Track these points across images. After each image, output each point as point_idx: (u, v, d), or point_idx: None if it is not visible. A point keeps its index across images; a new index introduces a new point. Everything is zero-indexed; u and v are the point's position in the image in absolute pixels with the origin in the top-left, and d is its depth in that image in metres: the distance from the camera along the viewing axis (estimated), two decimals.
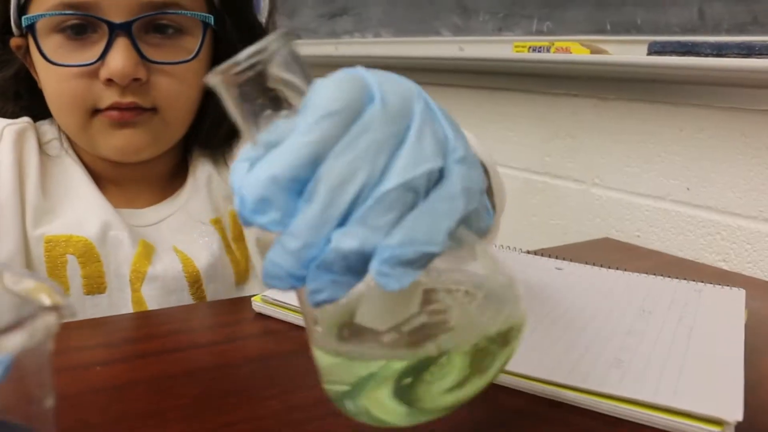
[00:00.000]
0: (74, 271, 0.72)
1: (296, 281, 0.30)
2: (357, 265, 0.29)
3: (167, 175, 0.81)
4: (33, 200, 0.73)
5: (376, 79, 0.32)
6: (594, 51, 1.03)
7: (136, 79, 0.68)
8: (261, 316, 0.64)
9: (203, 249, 0.77)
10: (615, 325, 0.63)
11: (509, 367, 0.52)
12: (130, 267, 0.74)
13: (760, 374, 0.56)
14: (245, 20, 0.78)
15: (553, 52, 1.08)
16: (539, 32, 1.15)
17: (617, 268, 0.82)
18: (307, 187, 0.29)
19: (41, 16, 0.68)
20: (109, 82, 0.67)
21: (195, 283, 0.75)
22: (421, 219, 0.29)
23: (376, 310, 0.33)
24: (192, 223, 0.79)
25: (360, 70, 0.32)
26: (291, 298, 0.64)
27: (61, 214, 0.74)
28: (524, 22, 1.18)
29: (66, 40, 0.68)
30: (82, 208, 0.74)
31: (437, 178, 0.30)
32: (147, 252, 0.75)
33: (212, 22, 0.72)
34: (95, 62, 0.67)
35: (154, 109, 0.71)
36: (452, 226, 0.30)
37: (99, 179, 0.77)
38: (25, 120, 0.77)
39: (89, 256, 0.73)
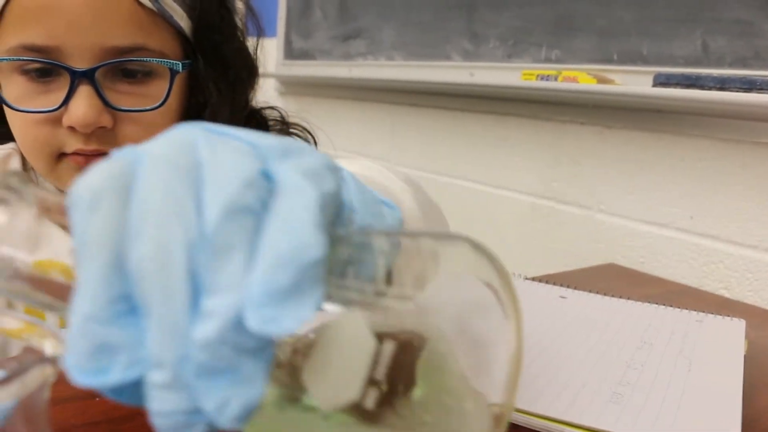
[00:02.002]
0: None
1: (201, 418, 0.23)
2: (244, 340, 0.22)
3: None
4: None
5: (139, 146, 0.26)
6: (600, 80, 1.05)
7: (101, 127, 0.65)
8: None
9: None
10: (615, 357, 0.64)
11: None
12: None
13: (758, 408, 0.57)
14: (221, 56, 0.76)
15: (561, 81, 1.10)
16: (548, 60, 1.17)
17: (621, 296, 0.83)
18: (132, 296, 0.23)
19: (0, 60, 0.65)
20: (73, 129, 0.65)
21: None
22: (274, 234, 0.22)
23: (332, 381, 0.24)
24: None
25: (124, 150, 0.26)
26: None
27: (46, 243, 0.74)
28: (533, 49, 1.20)
29: (29, 83, 0.65)
30: (62, 236, 0.73)
31: (267, 186, 0.24)
32: None
33: (180, 68, 0.69)
34: (57, 109, 0.65)
35: None
36: (315, 216, 0.23)
37: None
38: (9, 146, 0.75)
39: None
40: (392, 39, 1.57)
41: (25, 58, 0.64)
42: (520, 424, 0.52)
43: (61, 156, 0.68)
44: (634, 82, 1.02)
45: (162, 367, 0.22)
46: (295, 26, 1.96)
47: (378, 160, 1.68)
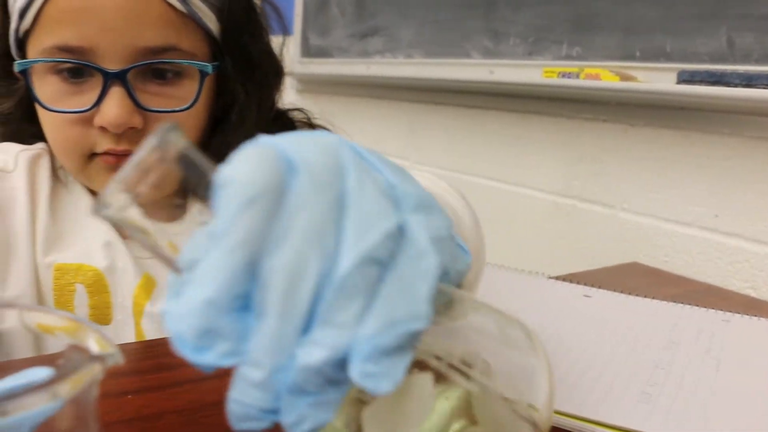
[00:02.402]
0: (81, 300, 0.72)
1: (273, 416, 0.25)
2: (336, 374, 0.24)
3: (169, 206, 0.80)
4: (43, 227, 0.73)
5: (289, 143, 0.27)
6: (623, 77, 1.04)
7: (131, 128, 0.66)
8: None
9: None
10: (642, 357, 0.64)
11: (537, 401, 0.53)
12: (132, 299, 0.73)
13: None
14: (248, 56, 0.76)
15: (583, 78, 1.09)
16: (569, 57, 1.16)
17: (645, 295, 0.83)
18: (254, 299, 0.24)
19: (35, 61, 0.66)
20: (104, 129, 0.66)
21: None
22: (393, 292, 0.24)
23: (387, 426, 0.26)
24: None
25: (266, 139, 0.28)
26: None
27: (72, 242, 0.74)
28: (554, 47, 1.19)
29: (62, 83, 0.67)
30: (91, 237, 0.74)
31: (398, 235, 0.25)
32: (148, 285, 0.75)
33: (210, 70, 0.70)
34: (89, 109, 0.66)
35: None
36: (432, 289, 0.25)
37: None
38: (39, 146, 0.76)
39: (98, 286, 0.73)
40: (410, 37, 1.57)
41: (59, 59, 0.65)
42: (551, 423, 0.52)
43: (91, 156, 0.69)
44: (657, 79, 1.01)
45: (258, 367, 0.24)
46: (312, 24, 1.96)
47: (395, 158, 1.68)
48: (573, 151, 1.22)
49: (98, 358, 0.27)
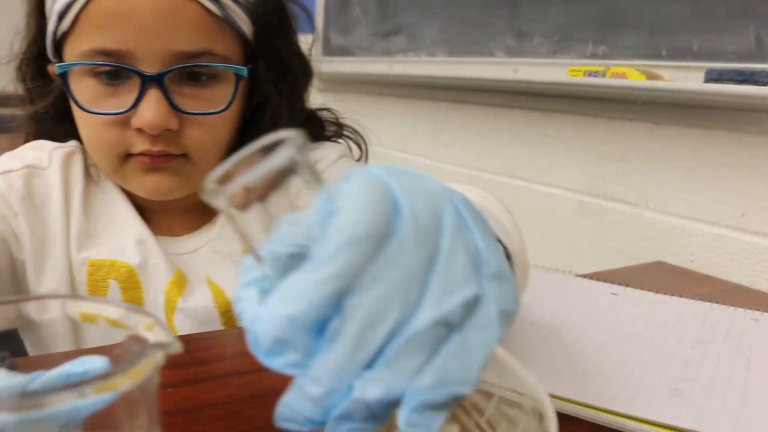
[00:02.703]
0: (115, 296, 0.74)
1: (314, 426, 0.27)
2: (380, 411, 0.26)
3: (201, 204, 0.81)
4: (77, 223, 0.74)
5: (400, 185, 0.28)
6: (649, 76, 1.04)
7: (167, 129, 0.67)
8: None
9: (235, 280, 0.77)
10: (672, 354, 0.64)
11: (571, 395, 0.54)
12: (164, 296, 0.75)
13: None
14: (280, 58, 0.77)
15: (609, 77, 1.09)
16: (594, 56, 1.16)
17: (672, 294, 0.83)
18: (331, 325, 0.26)
19: (75, 64, 0.67)
20: (140, 130, 0.67)
21: (226, 313, 0.76)
22: (453, 356, 0.26)
23: None
24: (224, 253, 0.79)
25: (379, 173, 0.29)
26: None
27: (105, 239, 0.75)
28: (579, 45, 1.19)
29: (100, 85, 0.68)
30: (124, 234, 0.75)
31: (473, 302, 0.27)
32: (180, 282, 0.76)
33: (245, 74, 0.71)
34: (127, 111, 0.67)
35: (184, 155, 0.71)
36: (487, 358, 0.27)
37: (137, 206, 0.78)
38: (72, 144, 0.77)
39: (131, 282, 0.74)
40: (434, 35, 1.57)
41: (98, 62, 0.66)
42: (583, 418, 0.52)
43: (127, 156, 0.70)
44: (683, 78, 1.01)
45: (317, 385, 0.26)
46: (333, 23, 1.96)
47: (419, 156, 1.68)
48: (598, 150, 1.22)
49: (159, 346, 0.28)
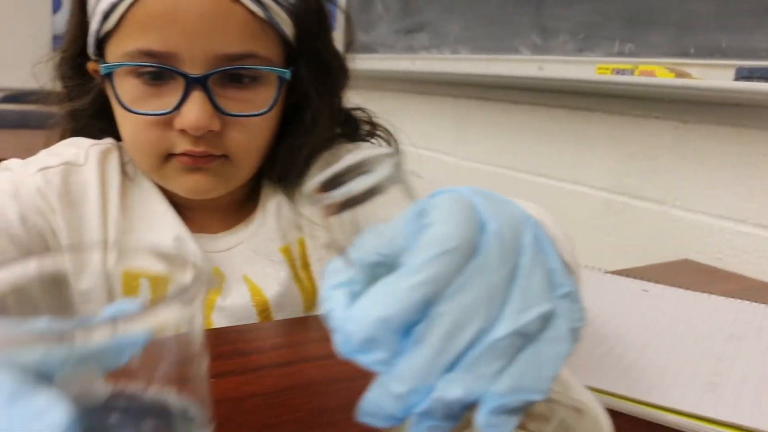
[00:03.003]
0: (145, 295, 0.74)
1: (394, 422, 0.29)
2: (457, 411, 0.28)
3: (238, 203, 0.82)
4: (114, 220, 0.74)
5: (487, 206, 0.30)
6: (678, 74, 1.04)
7: (209, 130, 0.68)
8: None
9: (272, 278, 0.78)
10: (705, 349, 0.64)
11: (607, 387, 0.54)
12: None
13: None
14: (321, 59, 0.77)
15: (638, 75, 1.09)
16: (621, 54, 1.16)
17: (702, 291, 0.83)
18: (417, 329, 0.28)
19: (120, 65, 0.68)
20: (183, 131, 0.68)
21: (264, 311, 0.76)
22: (528, 365, 0.28)
23: None
24: (262, 252, 0.79)
25: (467, 193, 0.31)
26: None
27: (141, 235, 0.76)
28: (605, 43, 1.19)
29: (143, 86, 0.68)
30: (160, 232, 0.76)
31: (547, 318, 0.29)
32: (218, 280, 0.76)
33: (288, 77, 0.72)
34: (170, 112, 0.67)
35: (225, 156, 0.71)
36: (557, 371, 0.28)
37: (174, 203, 0.78)
38: (108, 141, 0.78)
39: (162, 281, 0.74)
40: (457, 33, 1.58)
41: (143, 63, 0.66)
42: (619, 410, 0.53)
43: (168, 156, 0.70)
44: (712, 76, 1.01)
45: (401, 383, 0.27)
46: (356, 20, 1.97)
47: (442, 154, 1.69)
48: (624, 148, 1.22)
49: (200, 282, 0.30)
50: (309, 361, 0.61)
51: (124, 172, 0.78)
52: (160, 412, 0.31)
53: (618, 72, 1.13)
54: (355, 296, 0.29)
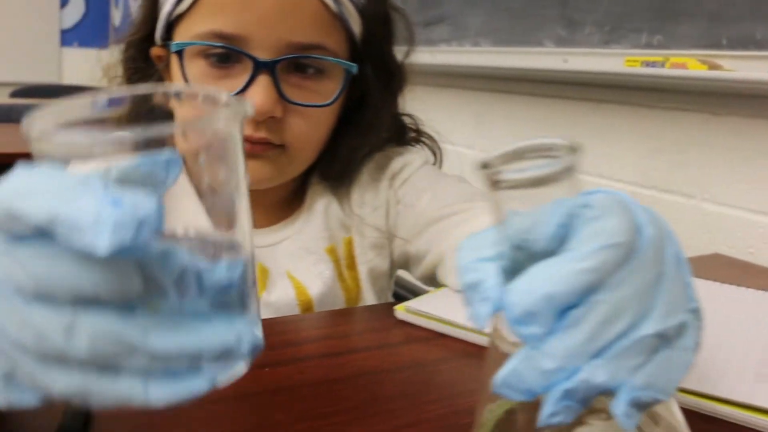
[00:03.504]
0: None
1: (529, 396, 0.30)
2: (593, 395, 0.29)
3: (285, 201, 0.83)
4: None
5: (641, 212, 0.32)
6: (711, 66, 1.03)
7: (271, 117, 0.69)
8: (402, 323, 0.67)
9: (316, 277, 0.79)
10: (750, 342, 0.64)
11: None
12: None
13: None
14: (385, 63, 0.79)
15: (668, 68, 1.08)
16: (649, 46, 1.15)
17: (738, 285, 0.82)
18: (573, 312, 0.29)
19: (192, 43, 0.69)
20: None
21: (307, 310, 0.77)
22: (662, 367, 0.29)
23: None
24: (306, 249, 0.80)
25: (623, 196, 0.33)
26: (435, 308, 0.67)
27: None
28: (633, 35, 1.18)
29: (209, 68, 0.69)
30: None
31: (683, 327, 0.31)
32: (262, 276, 0.77)
33: (354, 71, 0.73)
34: (236, 94, 0.68)
35: (282, 146, 0.71)
36: (682, 379, 0.30)
37: None
38: None
39: None
40: (479, 25, 1.57)
41: (216, 44, 0.68)
42: None
43: None
44: (746, 67, 1.00)
45: (550, 360, 0.29)
46: None
47: (462, 147, 1.68)
48: (652, 141, 1.21)
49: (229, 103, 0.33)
50: (356, 352, 0.61)
51: None
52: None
53: (648, 64, 1.12)
54: (505, 272, 0.31)
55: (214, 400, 0.49)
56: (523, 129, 1.50)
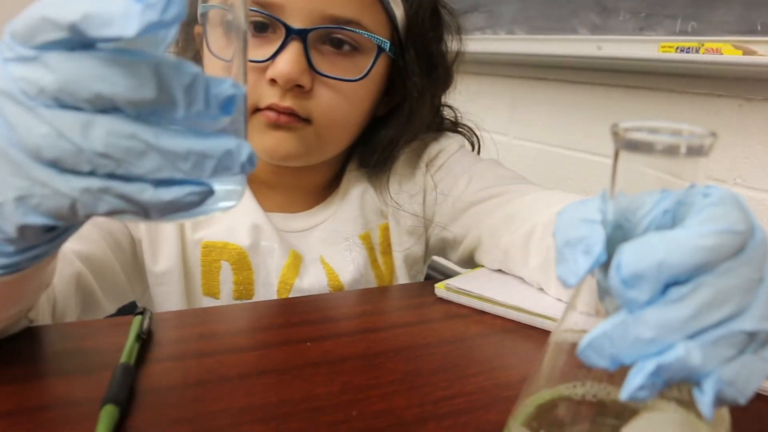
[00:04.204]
0: (227, 276, 0.75)
1: (613, 366, 0.29)
2: (678, 378, 0.28)
3: (321, 187, 0.83)
4: None
5: (752, 214, 0.32)
6: (746, 52, 1.04)
7: (299, 86, 0.68)
8: (442, 301, 0.70)
9: (350, 263, 0.80)
10: None
11: None
12: (278, 278, 0.76)
13: None
14: (429, 54, 0.78)
15: (703, 53, 1.09)
16: (683, 32, 1.16)
17: None
18: (677, 288, 0.28)
19: (222, 7, 0.69)
20: (273, 82, 0.68)
21: None
22: (747, 367, 0.29)
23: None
24: (340, 235, 0.80)
25: (739, 195, 0.32)
26: (474, 286, 0.69)
27: (219, 219, 0.76)
28: (667, 21, 1.19)
29: None
30: (238, 215, 0.76)
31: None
32: (296, 263, 0.77)
33: (387, 48, 0.72)
34: (266, 61, 0.68)
35: (308, 120, 0.71)
36: (757, 388, 0.30)
37: (253, 181, 0.79)
38: None
39: (242, 263, 0.76)
40: (513, 13, 1.58)
41: (252, 8, 0.67)
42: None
43: (254, 112, 0.71)
44: None
45: (648, 329, 0.28)
46: None
47: (495, 134, 1.69)
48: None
49: None
50: (397, 328, 0.63)
51: None
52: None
53: (682, 50, 1.13)
54: (607, 236, 0.31)
55: (257, 373, 0.52)
56: (557, 116, 1.51)
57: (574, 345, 0.32)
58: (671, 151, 0.29)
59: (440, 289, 0.70)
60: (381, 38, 0.72)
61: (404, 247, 0.83)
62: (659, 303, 0.28)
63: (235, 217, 0.77)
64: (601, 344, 0.29)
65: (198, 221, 0.77)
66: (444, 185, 0.83)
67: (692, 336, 0.28)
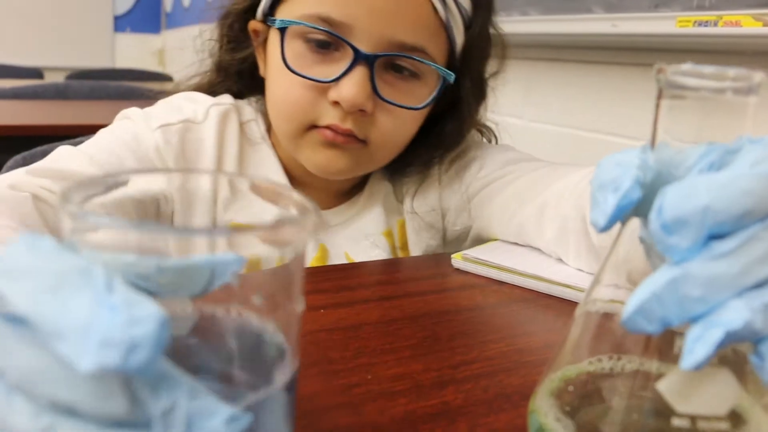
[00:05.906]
0: None
1: (659, 328, 0.27)
2: (732, 342, 0.26)
3: (349, 187, 0.84)
4: (227, 183, 0.75)
5: None
6: (765, 24, 1.02)
7: (361, 110, 0.68)
8: (459, 271, 0.69)
9: (372, 259, 0.80)
10: None
11: None
12: None
13: None
14: (480, 82, 0.79)
15: (722, 26, 1.07)
16: (700, 7, 1.14)
17: None
18: (724, 241, 0.26)
19: (297, 23, 0.68)
20: (336, 104, 0.68)
21: None
22: None
23: (686, 390, 0.29)
24: (364, 232, 0.81)
25: None
26: (491, 256, 0.68)
27: (249, 203, 0.76)
28: None
29: (307, 51, 0.69)
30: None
31: None
32: (323, 257, 0.78)
33: (451, 80, 0.72)
34: (330, 81, 0.68)
35: (365, 141, 0.71)
36: None
37: (287, 175, 0.79)
38: (229, 101, 0.78)
39: None
40: None
41: (322, 28, 0.67)
42: None
43: (311, 128, 0.71)
44: None
45: (697, 286, 0.26)
46: None
47: (509, 117, 1.68)
48: None
49: (310, 213, 0.31)
50: (415, 296, 0.63)
51: (243, 135, 0.78)
52: (246, 338, 0.30)
53: (700, 24, 1.11)
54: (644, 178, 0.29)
55: None
56: (571, 96, 1.50)
57: (603, 316, 0.31)
58: (717, 92, 0.27)
59: (457, 259, 0.69)
60: (445, 70, 0.72)
61: (422, 240, 0.84)
62: (706, 257, 0.26)
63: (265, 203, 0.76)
64: (650, 308, 0.27)
65: (231, 200, 0.76)
66: (455, 174, 0.84)
67: (741, 294, 0.26)
